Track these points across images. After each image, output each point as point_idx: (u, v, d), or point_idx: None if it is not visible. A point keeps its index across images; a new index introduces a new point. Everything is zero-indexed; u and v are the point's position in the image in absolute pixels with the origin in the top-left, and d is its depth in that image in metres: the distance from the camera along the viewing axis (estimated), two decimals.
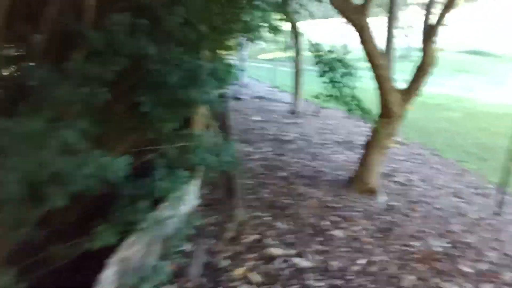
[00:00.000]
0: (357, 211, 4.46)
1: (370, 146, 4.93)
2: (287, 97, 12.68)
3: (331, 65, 4.40)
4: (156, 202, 2.92)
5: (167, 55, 2.67)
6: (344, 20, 4.55)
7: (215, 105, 2.99)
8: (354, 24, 4.36)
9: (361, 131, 8.64)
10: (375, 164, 4.94)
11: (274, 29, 4.61)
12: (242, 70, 15.36)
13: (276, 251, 3.56)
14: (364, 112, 4.57)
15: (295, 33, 9.84)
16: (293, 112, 10.28)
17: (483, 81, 18.53)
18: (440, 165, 6.76)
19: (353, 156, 6.67)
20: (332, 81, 4.39)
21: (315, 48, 4.33)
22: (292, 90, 10.78)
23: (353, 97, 4.47)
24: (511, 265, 3.65)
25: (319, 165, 6.04)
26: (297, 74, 10.26)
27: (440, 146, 7.94)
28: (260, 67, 20.89)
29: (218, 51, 4.38)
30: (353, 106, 4.52)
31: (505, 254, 3.84)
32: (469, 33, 26.50)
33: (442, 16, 4.25)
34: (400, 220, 4.36)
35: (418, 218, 4.48)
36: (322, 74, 4.41)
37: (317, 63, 4.45)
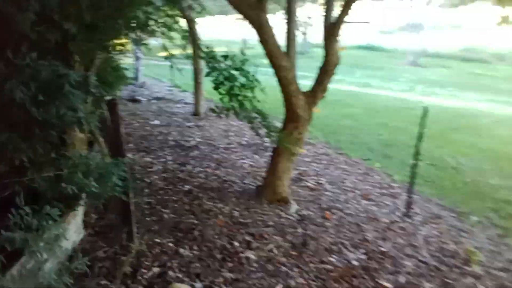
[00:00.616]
0: (269, 226, 4.09)
1: (278, 153, 4.60)
2: (189, 97, 12.06)
3: (227, 75, 3.83)
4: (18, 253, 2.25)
5: (16, 63, 2.01)
6: (241, 16, 4.12)
7: (89, 123, 2.37)
8: (252, 22, 3.96)
9: None
10: (284, 171, 4.62)
11: (166, 26, 4.03)
12: (136, 69, 14.45)
13: (181, 286, 3.06)
14: (270, 131, 4.14)
15: (191, 29, 9.26)
16: (195, 114, 9.73)
17: (378, 76, 19.43)
18: (346, 164, 6.67)
19: (260, 160, 6.36)
20: (230, 93, 3.84)
21: (208, 54, 3.74)
22: (193, 89, 10.19)
23: (258, 112, 3.99)
24: (429, 274, 3.51)
25: (226, 174, 5.60)
26: (197, 72, 9.70)
27: (345, 144, 7.91)
28: (159, 65, 19.89)
29: (99, 53, 3.71)
30: (257, 124, 4.02)
31: (421, 262, 3.70)
32: (359, 28, 27.85)
33: (344, 13, 4.01)
34: (314, 231, 4.09)
35: (331, 227, 4.23)
36: (217, 86, 3.82)
37: (208, 73, 3.86)
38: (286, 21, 4.49)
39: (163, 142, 7.11)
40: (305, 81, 4.87)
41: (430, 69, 22.46)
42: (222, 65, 3.83)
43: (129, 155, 5.99)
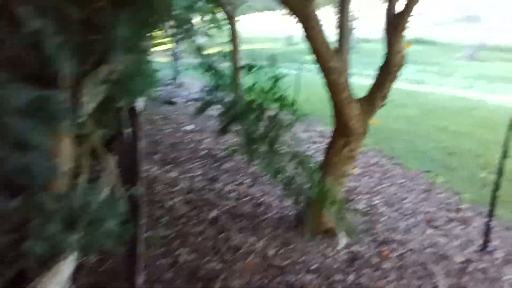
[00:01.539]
0: (311, 271, 3.23)
1: (325, 173, 3.73)
2: (228, 97, 11.36)
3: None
4: None
5: None
6: (287, 11, 3.29)
7: (48, 168, 1.63)
8: (297, 14, 3.13)
9: (310, 136, 7.50)
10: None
11: (182, 22, 3.24)
12: (175, 69, 13.93)
13: None
14: (314, 184, 3.22)
15: (231, 27, 8.50)
16: None
17: (432, 72, 17.86)
18: (403, 178, 5.66)
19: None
20: (250, 134, 2.87)
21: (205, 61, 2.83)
22: (231, 89, 9.44)
23: (301, 162, 3.02)
24: None
25: (261, 193, 4.76)
26: (235, 71, 8.92)
27: (400, 152, 6.84)
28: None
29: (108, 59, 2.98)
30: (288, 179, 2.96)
31: None
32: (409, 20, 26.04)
33: (412, 1, 3.10)
34: (369, 277, 3.20)
35: (391, 270, 3.32)
36: (225, 126, 2.80)
37: (206, 105, 2.92)
38: (337, 13, 3.62)
39: (194, 151, 6.39)
40: (353, 78, 3.98)
41: (490, 64, 20.52)
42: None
43: (154, 169, 5.33)
